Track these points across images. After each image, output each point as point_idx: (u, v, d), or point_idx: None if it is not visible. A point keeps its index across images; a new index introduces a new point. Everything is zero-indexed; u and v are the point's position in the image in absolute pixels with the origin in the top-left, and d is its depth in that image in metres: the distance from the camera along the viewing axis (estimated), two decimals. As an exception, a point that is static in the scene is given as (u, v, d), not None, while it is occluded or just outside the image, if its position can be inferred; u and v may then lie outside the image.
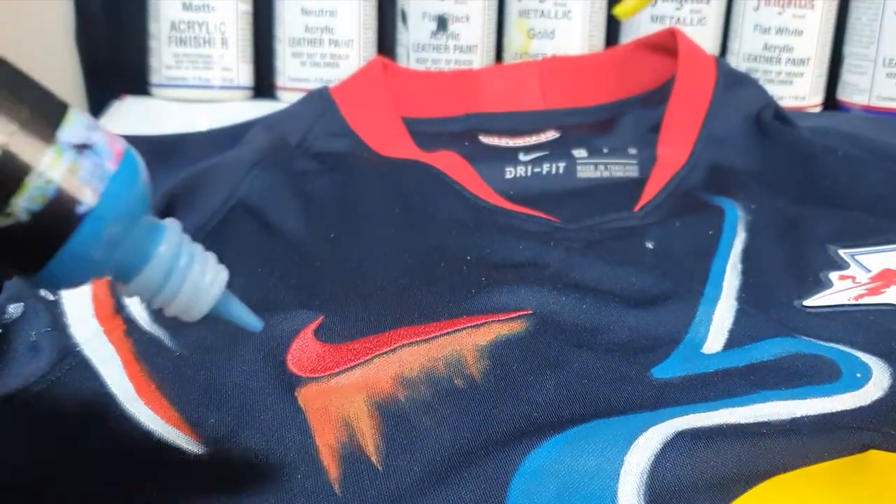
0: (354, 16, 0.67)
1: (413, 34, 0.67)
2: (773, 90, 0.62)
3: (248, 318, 0.25)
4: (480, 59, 0.67)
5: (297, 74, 0.68)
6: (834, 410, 0.30)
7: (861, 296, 0.38)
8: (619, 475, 0.27)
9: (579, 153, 0.53)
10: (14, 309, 0.35)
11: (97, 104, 0.70)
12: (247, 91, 0.70)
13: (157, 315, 0.35)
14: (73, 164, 0.20)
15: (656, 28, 0.63)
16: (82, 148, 0.21)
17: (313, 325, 0.35)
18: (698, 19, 0.65)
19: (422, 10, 0.67)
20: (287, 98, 0.68)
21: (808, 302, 0.38)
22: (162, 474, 0.28)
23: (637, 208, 0.46)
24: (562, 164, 0.53)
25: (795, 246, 0.41)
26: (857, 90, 0.65)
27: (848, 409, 0.30)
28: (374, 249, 0.42)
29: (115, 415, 0.31)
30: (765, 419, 0.29)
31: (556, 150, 0.54)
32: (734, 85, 0.55)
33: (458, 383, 0.32)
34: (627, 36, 0.66)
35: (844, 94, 0.66)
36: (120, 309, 0.36)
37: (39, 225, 0.20)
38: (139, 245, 0.22)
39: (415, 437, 0.29)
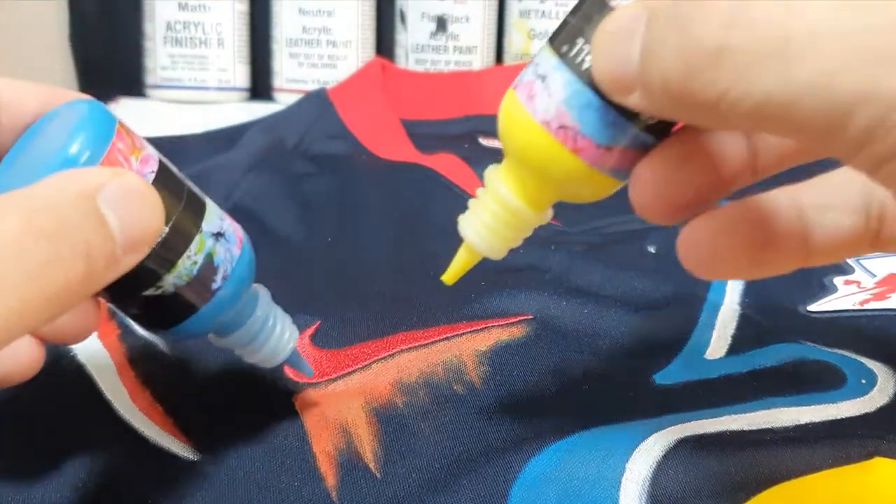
0: (352, 16, 0.67)
1: (412, 35, 0.68)
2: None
3: (305, 367, 0.30)
4: (480, 60, 0.67)
5: (294, 75, 0.68)
6: (839, 417, 0.30)
7: (866, 301, 0.38)
8: (620, 482, 0.27)
9: (580, 156, 0.53)
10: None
11: (91, 105, 0.70)
12: (243, 92, 0.70)
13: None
14: (212, 249, 0.25)
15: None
16: (218, 236, 0.25)
17: (310, 331, 0.35)
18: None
19: (421, 10, 0.67)
20: (284, 100, 0.68)
21: (812, 307, 0.38)
22: (157, 481, 0.28)
23: (639, 211, 0.46)
24: (563, 167, 0.53)
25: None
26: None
27: (853, 415, 0.30)
28: (372, 253, 0.42)
29: (109, 421, 0.31)
30: (768, 426, 0.29)
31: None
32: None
33: (457, 389, 0.32)
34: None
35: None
36: (114, 314, 0.36)
37: (180, 296, 0.24)
38: (241, 310, 0.27)
39: (414, 443, 0.29)
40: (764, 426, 0.29)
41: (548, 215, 0.25)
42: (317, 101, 0.59)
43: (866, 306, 0.37)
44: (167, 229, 0.23)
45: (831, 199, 0.23)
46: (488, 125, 0.59)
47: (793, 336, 0.35)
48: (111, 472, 0.29)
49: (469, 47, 0.67)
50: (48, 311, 0.18)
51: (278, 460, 0.29)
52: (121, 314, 0.25)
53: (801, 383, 0.32)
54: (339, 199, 0.48)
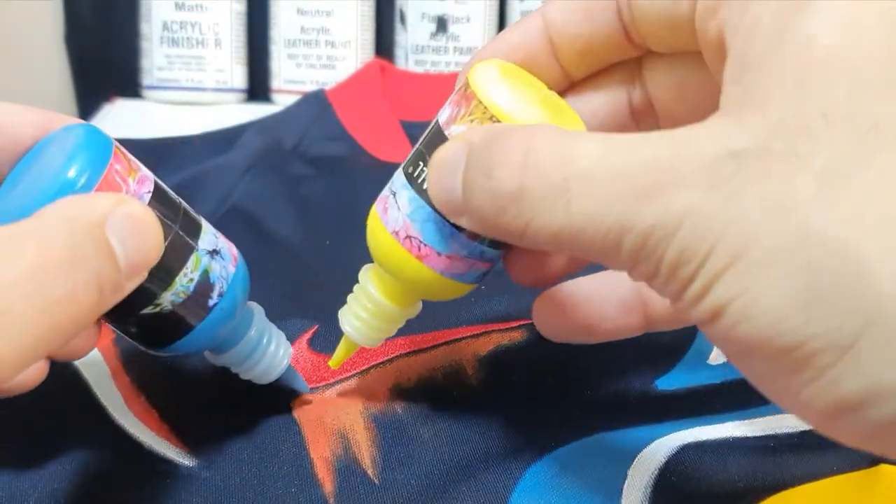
0: (351, 16, 0.67)
1: (412, 35, 0.68)
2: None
3: (300, 384, 0.31)
4: (481, 61, 0.67)
5: (292, 76, 0.68)
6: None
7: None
8: (622, 489, 0.27)
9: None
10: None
11: (87, 107, 0.70)
12: (240, 93, 0.70)
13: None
14: (208, 266, 0.25)
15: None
16: (213, 253, 0.26)
17: (308, 335, 0.35)
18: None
19: (421, 10, 0.67)
20: (282, 101, 0.68)
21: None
22: (153, 487, 0.28)
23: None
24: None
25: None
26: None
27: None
28: (369, 256, 0.42)
29: (104, 426, 0.31)
30: (772, 432, 0.30)
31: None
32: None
33: (457, 394, 0.32)
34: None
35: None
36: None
37: (178, 314, 0.25)
38: (237, 328, 0.28)
39: (412, 449, 0.29)
40: (768, 433, 0.30)
41: (416, 309, 0.29)
42: (315, 103, 0.59)
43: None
44: (164, 247, 0.23)
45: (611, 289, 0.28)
46: (489, 127, 0.59)
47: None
48: (106, 478, 0.29)
49: (470, 48, 0.67)
50: (59, 342, 0.19)
51: (275, 466, 0.29)
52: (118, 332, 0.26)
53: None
54: (337, 201, 0.48)
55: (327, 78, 0.67)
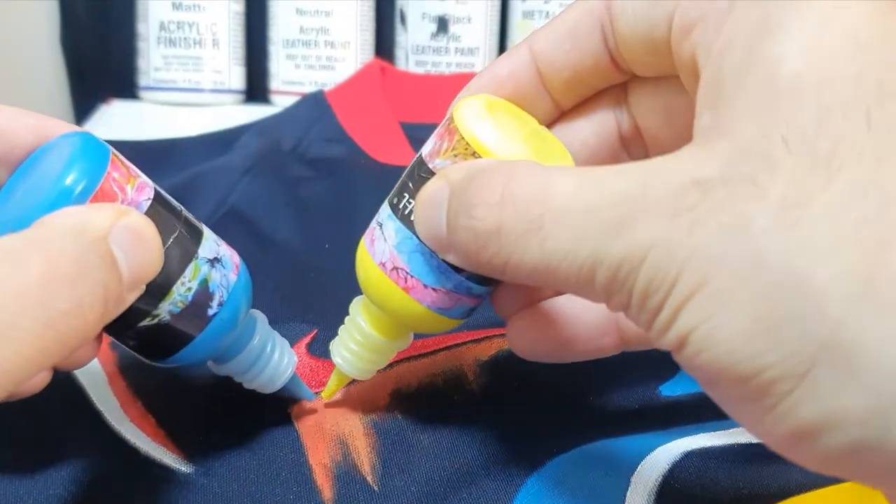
0: (351, 16, 0.67)
1: (412, 36, 0.68)
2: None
3: (305, 392, 0.31)
4: (482, 61, 0.68)
5: (291, 77, 0.68)
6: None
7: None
8: (625, 497, 0.27)
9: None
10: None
11: (83, 108, 0.70)
12: (239, 94, 0.70)
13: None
14: (207, 275, 0.25)
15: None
16: (214, 261, 0.25)
17: (307, 339, 0.35)
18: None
19: (421, 10, 0.67)
20: (281, 102, 0.68)
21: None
22: (149, 494, 0.28)
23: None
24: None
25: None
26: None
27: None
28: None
29: (100, 431, 0.31)
30: (777, 439, 0.30)
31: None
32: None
33: (458, 400, 0.32)
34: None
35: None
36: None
37: (177, 324, 0.25)
38: (240, 337, 0.28)
39: (412, 455, 0.29)
40: (773, 439, 0.30)
41: (406, 341, 0.29)
42: (314, 104, 0.59)
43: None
44: (163, 258, 0.24)
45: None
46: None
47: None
48: (102, 484, 0.29)
49: (471, 48, 0.67)
50: (63, 354, 0.19)
51: (273, 472, 0.29)
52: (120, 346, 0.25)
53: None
54: (336, 203, 0.48)
55: (326, 79, 0.67)
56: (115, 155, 0.24)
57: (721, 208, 0.17)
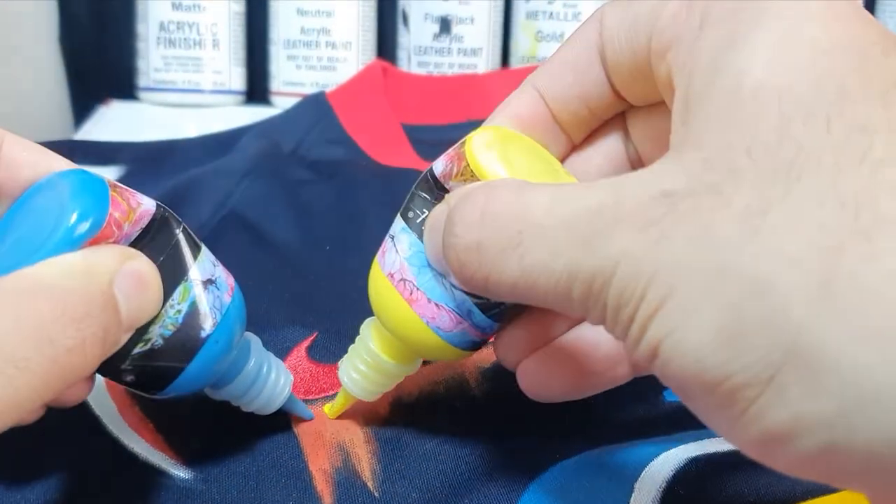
0: (353, 17, 0.68)
1: (414, 36, 0.68)
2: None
3: (304, 411, 0.31)
4: (485, 62, 0.68)
5: (292, 78, 0.69)
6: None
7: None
8: (629, 502, 0.27)
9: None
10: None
11: (82, 109, 0.70)
12: (239, 95, 0.70)
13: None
14: (198, 297, 0.25)
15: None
16: (208, 283, 0.25)
17: (307, 343, 0.35)
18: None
19: (424, 11, 0.67)
20: (281, 103, 0.68)
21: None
22: (147, 500, 0.28)
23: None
24: (570, 174, 0.53)
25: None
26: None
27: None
28: (370, 262, 0.42)
29: (98, 437, 0.31)
30: (782, 445, 0.30)
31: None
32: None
33: (459, 406, 0.32)
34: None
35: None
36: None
37: (170, 348, 0.25)
38: (235, 360, 0.28)
39: (413, 462, 0.29)
40: (778, 445, 0.30)
41: (414, 366, 0.29)
42: (315, 105, 0.59)
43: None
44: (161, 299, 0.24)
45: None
46: (493, 130, 0.59)
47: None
48: (100, 490, 0.29)
49: (474, 49, 0.67)
50: (61, 390, 0.20)
51: (273, 479, 0.29)
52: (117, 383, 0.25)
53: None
54: (337, 206, 0.48)
55: (328, 80, 0.68)
56: (114, 188, 0.24)
57: (687, 219, 0.18)
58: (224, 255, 0.43)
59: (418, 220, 0.26)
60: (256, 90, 0.71)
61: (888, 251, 0.16)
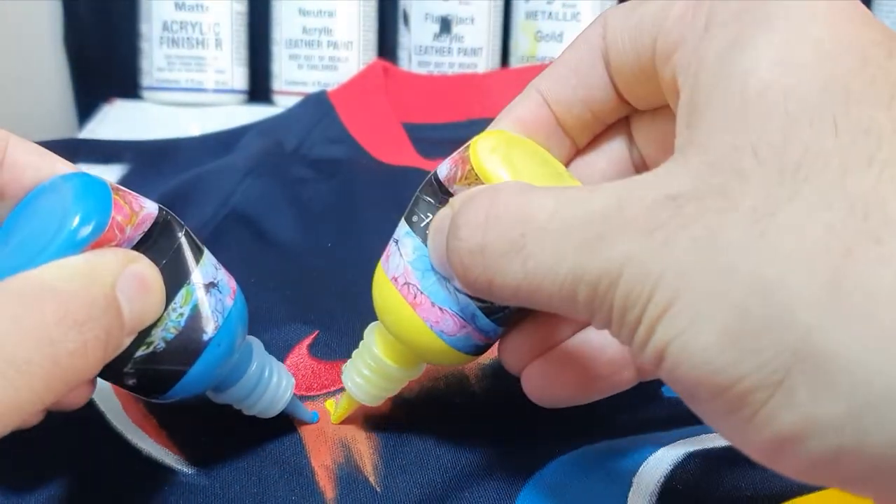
0: (354, 17, 0.68)
1: (415, 36, 0.68)
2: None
3: (306, 414, 0.31)
4: (485, 62, 0.68)
5: (294, 77, 0.69)
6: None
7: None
8: (627, 498, 0.27)
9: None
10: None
11: (86, 108, 0.70)
12: (241, 95, 0.70)
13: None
14: (200, 300, 0.25)
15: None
16: (210, 286, 0.25)
17: (308, 340, 0.35)
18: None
19: (424, 11, 0.67)
20: (283, 102, 0.68)
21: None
22: (151, 495, 0.28)
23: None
24: (569, 173, 0.53)
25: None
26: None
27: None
28: (371, 260, 0.42)
29: (102, 432, 0.31)
30: (779, 441, 0.30)
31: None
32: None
33: (459, 402, 0.32)
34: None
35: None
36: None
37: (172, 351, 0.24)
38: (237, 364, 0.27)
39: (415, 457, 0.29)
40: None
41: (418, 370, 0.29)
42: (317, 104, 0.59)
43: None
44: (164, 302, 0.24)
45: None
46: (493, 129, 0.59)
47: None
48: (103, 485, 0.29)
49: (474, 49, 0.67)
50: (62, 393, 0.20)
51: (275, 474, 0.29)
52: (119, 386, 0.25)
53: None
54: (339, 204, 0.48)
55: (329, 79, 0.67)
56: (116, 192, 0.24)
57: (693, 222, 0.17)
58: (226, 253, 0.43)
59: (422, 224, 0.25)
60: (259, 89, 0.71)
61: None
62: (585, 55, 0.25)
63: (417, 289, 0.25)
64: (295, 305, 0.38)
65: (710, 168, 0.18)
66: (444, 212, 0.23)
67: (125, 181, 0.51)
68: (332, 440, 0.30)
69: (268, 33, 0.70)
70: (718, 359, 0.17)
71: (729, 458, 0.28)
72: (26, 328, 0.19)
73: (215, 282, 0.26)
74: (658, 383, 0.33)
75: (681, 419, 0.31)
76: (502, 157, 0.24)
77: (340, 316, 0.37)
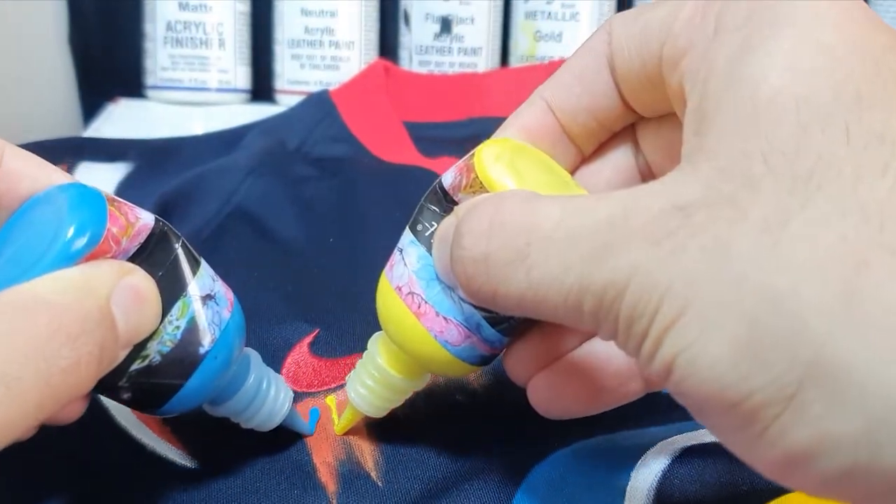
0: (355, 17, 0.67)
1: (416, 36, 0.68)
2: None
3: (304, 427, 0.30)
4: (485, 61, 0.67)
5: (296, 77, 0.68)
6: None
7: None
8: (625, 491, 0.27)
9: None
10: None
11: (91, 107, 0.70)
12: (244, 94, 0.70)
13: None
14: (197, 313, 0.24)
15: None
16: (207, 298, 0.25)
17: (309, 338, 0.35)
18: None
19: (425, 11, 0.67)
20: (286, 101, 0.68)
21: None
22: (154, 489, 0.28)
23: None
24: (568, 171, 0.53)
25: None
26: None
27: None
28: (373, 258, 0.42)
29: (106, 427, 0.31)
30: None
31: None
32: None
33: (459, 398, 0.32)
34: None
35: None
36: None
37: (168, 365, 0.24)
38: (235, 376, 0.27)
39: (416, 453, 0.29)
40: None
41: (422, 381, 0.28)
42: (319, 103, 0.59)
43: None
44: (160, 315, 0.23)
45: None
46: (492, 128, 0.58)
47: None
48: (107, 480, 0.29)
49: (474, 48, 0.67)
50: (54, 410, 0.19)
51: (277, 469, 0.29)
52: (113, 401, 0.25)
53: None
54: (340, 202, 0.48)
55: (331, 79, 0.67)
56: (112, 203, 0.23)
57: (702, 231, 0.17)
58: (229, 251, 0.43)
59: (427, 233, 0.25)
60: (261, 89, 0.71)
61: None
62: (590, 62, 0.25)
63: (422, 298, 0.25)
64: (296, 304, 0.38)
65: (720, 176, 0.17)
66: (449, 220, 0.23)
67: (129, 179, 0.51)
68: (334, 437, 0.30)
69: (270, 33, 0.70)
70: (728, 373, 0.16)
71: (726, 454, 0.28)
72: (17, 344, 0.18)
73: (212, 294, 0.25)
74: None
75: (678, 415, 0.31)
76: (507, 165, 0.23)
77: (341, 314, 0.37)
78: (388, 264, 0.26)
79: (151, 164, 0.53)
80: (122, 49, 0.72)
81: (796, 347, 0.16)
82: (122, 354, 0.22)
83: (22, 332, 0.19)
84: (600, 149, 0.27)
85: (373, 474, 0.29)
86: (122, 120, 0.66)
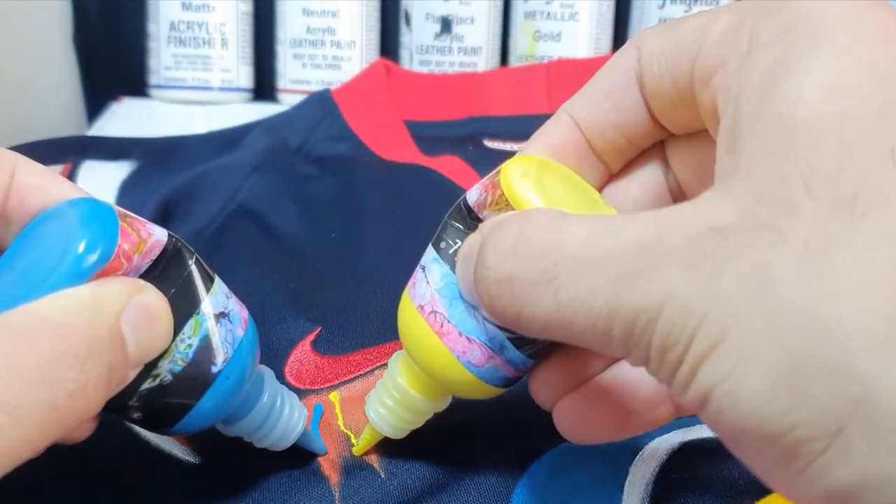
0: (357, 17, 0.67)
1: (416, 36, 0.68)
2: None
3: (317, 445, 0.29)
4: (485, 61, 0.67)
5: (298, 76, 0.68)
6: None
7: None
8: (623, 486, 0.27)
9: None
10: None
11: (94, 106, 0.70)
12: (246, 93, 0.70)
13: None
14: (210, 331, 0.23)
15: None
16: (221, 316, 0.24)
17: (311, 336, 0.35)
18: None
19: (425, 11, 0.67)
20: (288, 100, 0.68)
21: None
22: (158, 483, 0.28)
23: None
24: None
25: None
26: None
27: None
28: (374, 256, 0.42)
29: (111, 423, 0.31)
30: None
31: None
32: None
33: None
34: (635, 38, 0.66)
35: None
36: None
37: (180, 384, 0.23)
38: (248, 395, 0.26)
39: (417, 446, 0.29)
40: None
41: (444, 402, 0.27)
42: (320, 103, 0.59)
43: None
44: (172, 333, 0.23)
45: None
46: (492, 127, 0.59)
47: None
48: (111, 474, 0.29)
49: (474, 48, 0.67)
50: (61, 434, 0.19)
51: (280, 464, 0.29)
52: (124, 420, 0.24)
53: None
54: (342, 200, 0.48)
55: (333, 78, 0.67)
56: (124, 219, 0.22)
57: (740, 256, 0.16)
58: (232, 249, 0.43)
59: (451, 251, 0.24)
60: (264, 88, 0.71)
61: None
62: (619, 78, 0.24)
63: (444, 317, 0.24)
64: (298, 301, 0.38)
65: (757, 198, 0.16)
66: (474, 238, 0.22)
67: (133, 178, 0.51)
68: (337, 432, 0.30)
69: (272, 33, 0.70)
70: (769, 406, 0.15)
71: (724, 449, 0.28)
72: (20, 370, 0.18)
73: (226, 311, 0.24)
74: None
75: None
76: (534, 183, 0.22)
77: (343, 312, 0.37)
78: (411, 282, 0.25)
79: (155, 162, 0.53)
80: (125, 49, 0.72)
81: (842, 381, 0.15)
82: (132, 374, 0.22)
83: (24, 358, 0.18)
84: (628, 166, 0.26)
85: (375, 465, 0.29)
86: (125, 119, 0.66)
